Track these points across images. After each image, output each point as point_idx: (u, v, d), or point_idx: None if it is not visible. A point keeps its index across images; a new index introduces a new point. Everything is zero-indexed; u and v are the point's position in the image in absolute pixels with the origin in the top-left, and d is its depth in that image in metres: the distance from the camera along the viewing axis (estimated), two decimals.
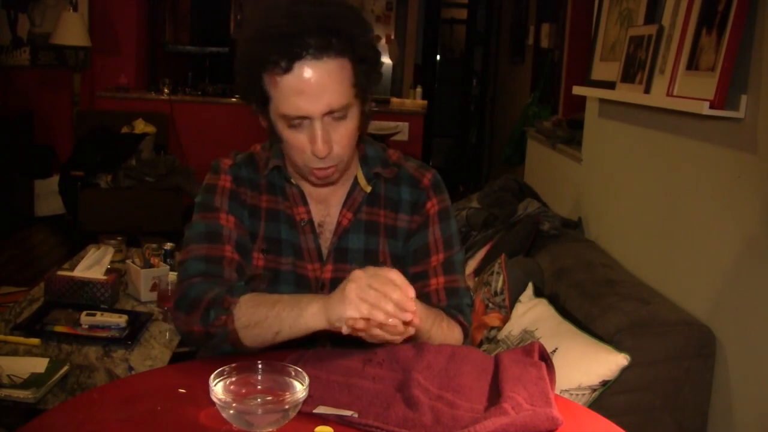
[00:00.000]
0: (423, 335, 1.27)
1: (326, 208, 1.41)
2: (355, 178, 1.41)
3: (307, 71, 1.20)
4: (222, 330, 1.23)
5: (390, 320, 1.10)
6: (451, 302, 1.38)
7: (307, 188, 1.40)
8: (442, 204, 1.43)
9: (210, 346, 1.28)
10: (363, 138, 1.43)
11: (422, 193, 1.43)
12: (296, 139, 1.26)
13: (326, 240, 1.40)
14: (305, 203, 1.40)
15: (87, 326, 2.22)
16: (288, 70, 1.20)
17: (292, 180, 1.40)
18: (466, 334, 1.38)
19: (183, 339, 1.33)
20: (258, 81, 1.25)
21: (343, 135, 1.27)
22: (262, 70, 1.23)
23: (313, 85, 1.21)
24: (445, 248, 1.41)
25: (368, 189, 1.40)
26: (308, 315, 1.17)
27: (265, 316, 1.20)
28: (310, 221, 1.39)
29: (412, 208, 1.42)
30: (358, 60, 1.25)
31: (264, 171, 1.41)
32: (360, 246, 1.39)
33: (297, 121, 1.25)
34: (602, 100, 2.81)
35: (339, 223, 1.39)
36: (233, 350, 1.26)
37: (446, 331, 1.33)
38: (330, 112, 1.24)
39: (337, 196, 1.41)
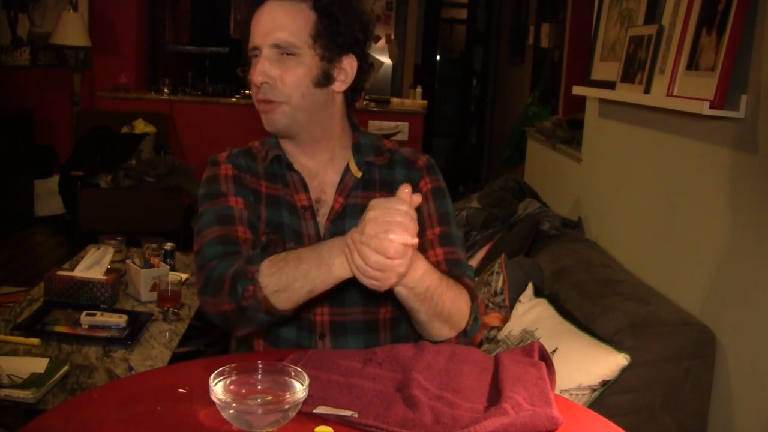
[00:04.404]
0: (436, 290, 1.26)
1: (322, 193, 1.43)
2: (348, 165, 1.44)
3: (268, 8, 1.35)
4: (253, 300, 1.22)
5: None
6: (453, 272, 1.37)
7: (305, 174, 1.43)
8: (435, 183, 1.46)
9: (245, 320, 1.27)
10: (358, 128, 1.48)
11: (416, 173, 1.46)
12: (251, 73, 1.36)
13: (324, 226, 1.42)
14: (306, 190, 1.42)
15: (87, 326, 2.22)
16: (255, 8, 1.36)
17: (294, 166, 1.42)
18: (473, 298, 1.37)
19: (216, 322, 1.33)
20: (248, 27, 1.37)
21: (287, 74, 1.34)
22: (248, 14, 1.37)
23: (268, 19, 1.34)
24: (440, 223, 1.42)
25: (358, 174, 1.43)
26: (338, 268, 1.18)
27: (294, 278, 1.21)
28: (311, 207, 1.41)
29: None
30: (322, 13, 1.34)
31: (263, 162, 1.44)
32: None
33: (253, 53, 1.36)
34: (602, 100, 2.81)
35: (332, 207, 1.42)
36: (269, 318, 1.25)
37: (455, 289, 1.32)
38: (277, 46, 1.33)
39: (331, 182, 1.44)
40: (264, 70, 1.33)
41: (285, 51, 1.33)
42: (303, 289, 1.21)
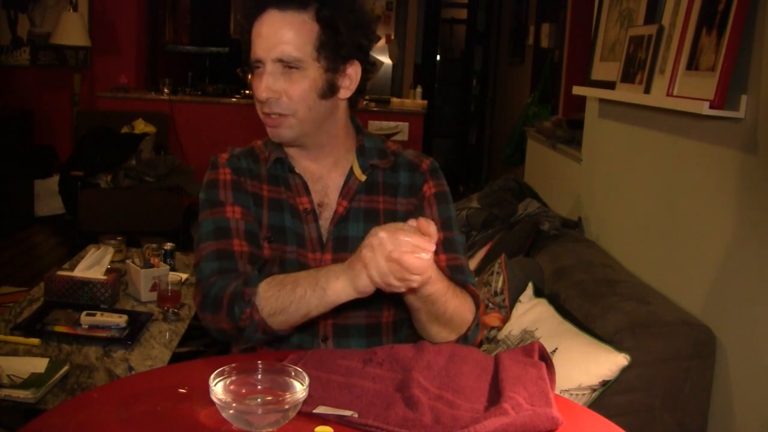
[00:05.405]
0: (441, 297, 1.27)
1: (325, 197, 1.43)
2: (352, 168, 1.43)
3: (269, 19, 1.31)
4: (250, 322, 1.25)
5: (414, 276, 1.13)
6: (456, 278, 1.37)
7: (308, 177, 1.42)
8: (439, 188, 1.46)
9: (244, 338, 1.30)
10: (362, 130, 1.48)
11: (420, 177, 1.46)
12: (254, 86, 1.34)
13: (326, 229, 1.41)
14: (308, 193, 1.41)
15: (87, 326, 2.22)
16: (256, 17, 1.32)
17: (296, 170, 1.42)
18: (477, 304, 1.38)
19: (214, 336, 1.36)
20: (248, 35, 1.35)
21: (293, 88, 1.32)
22: (247, 21, 1.35)
23: (270, 31, 1.31)
24: (444, 228, 1.42)
25: (363, 178, 1.42)
26: (333, 293, 1.20)
27: (289, 302, 1.22)
28: (313, 211, 1.41)
29: (410, 190, 1.45)
30: (325, 24, 1.31)
31: (266, 164, 1.43)
32: (359, 234, 1.40)
33: (256, 65, 1.34)
34: (602, 100, 2.81)
35: (335, 211, 1.41)
36: (266, 337, 1.28)
37: (461, 297, 1.33)
38: (280, 61, 1.31)
39: (335, 185, 1.43)
40: (268, 86, 1.32)
41: (289, 65, 1.31)
42: (298, 313, 1.23)
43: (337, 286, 1.20)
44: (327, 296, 1.21)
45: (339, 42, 1.32)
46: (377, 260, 1.13)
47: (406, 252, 1.12)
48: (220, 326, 1.29)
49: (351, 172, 1.43)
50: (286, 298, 1.23)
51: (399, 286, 1.16)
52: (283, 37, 1.30)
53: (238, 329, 1.27)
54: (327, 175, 1.43)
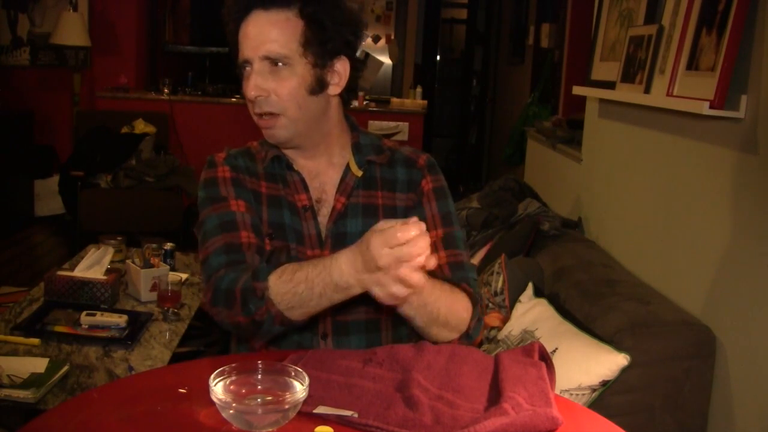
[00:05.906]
0: (429, 297, 1.26)
1: (323, 193, 1.43)
2: (348, 165, 1.44)
3: (255, 19, 1.32)
4: (267, 316, 1.24)
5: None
6: (455, 276, 1.37)
7: (306, 174, 1.43)
8: (437, 183, 1.46)
9: (261, 333, 1.29)
10: (356, 127, 1.48)
11: (418, 172, 1.46)
12: (244, 87, 1.35)
13: (325, 226, 1.42)
14: (306, 190, 1.42)
15: (87, 326, 2.22)
16: (242, 19, 1.33)
17: (294, 167, 1.42)
18: (474, 302, 1.37)
19: (230, 331, 1.36)
20: (236, 38, 1.36)
21: (281, 86, 1.33)
22: (234, 25, 1.35)
23: (256, 31, 1.32)
24: (444, 224, 1.42)
25: (359, 173, 1.43)
26: (355, 289, 1.18)
27: (309, 297, 1.21)
28: (311, 207, 1.41)
29: (408, 186, 1.45)
30: (310, 20, 1.31)
31: (263, 163, 1.43)
32: (358, 230, 1.40)
33: (244, 66, 1.34)
34: (602, 100, 2.81)
35: (334, 207, 1.41)
36: (284, 329, 1.28)
37: (452, 295, 1.32)
38: (267, 58, 1.31)
39: (332, 182, 1.43)
40: (257, 84, 1.32)
41: (276, 62, 1.32)
42: (320, 306, 1.23)
43: (357, 289, 1.18)
44: (351, 292, 1.19)
45: (325, 37, 1.33)
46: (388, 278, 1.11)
47: (408, 267, 1.09)
48: (235, 321, 1.28)
49: (347, 168, 1.44)
50: (305, 295, 1.21)
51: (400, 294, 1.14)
52: (268, 35, 1.31)
53: (255, 323, 1.26)
54: (324, 172, 1.44)
